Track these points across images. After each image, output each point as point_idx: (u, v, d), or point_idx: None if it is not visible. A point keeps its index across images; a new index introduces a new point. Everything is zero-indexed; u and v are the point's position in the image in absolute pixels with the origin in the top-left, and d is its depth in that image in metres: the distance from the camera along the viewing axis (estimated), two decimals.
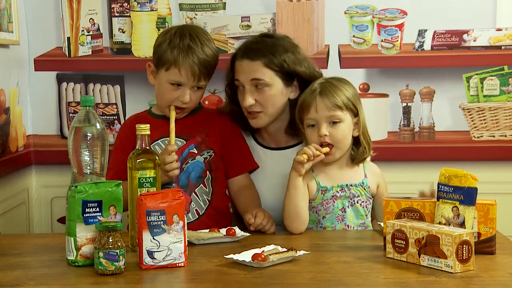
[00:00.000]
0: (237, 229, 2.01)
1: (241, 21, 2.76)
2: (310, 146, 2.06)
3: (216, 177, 2.28)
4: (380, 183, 2.19)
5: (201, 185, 2.25)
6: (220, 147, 2.29)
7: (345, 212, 2.13)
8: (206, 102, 2.73)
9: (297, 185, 2.08)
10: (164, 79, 2.21)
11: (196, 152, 2.26)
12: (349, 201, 2.14)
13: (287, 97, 2.27)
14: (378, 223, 2.19)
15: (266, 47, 2.24)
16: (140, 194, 1.77)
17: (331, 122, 2.09)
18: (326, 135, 2.08)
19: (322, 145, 2.08)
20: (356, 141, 2.15)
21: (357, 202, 2.14)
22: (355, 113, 2.12)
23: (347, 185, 2.14)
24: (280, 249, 1.79)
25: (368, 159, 2.21)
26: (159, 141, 2.24)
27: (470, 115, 2.79)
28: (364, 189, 2.16)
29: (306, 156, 2.03)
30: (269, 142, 2.37)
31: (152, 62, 2.27)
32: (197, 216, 2.23)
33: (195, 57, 2.18)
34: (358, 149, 2.15)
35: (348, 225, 2.13)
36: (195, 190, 2.24)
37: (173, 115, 2.19)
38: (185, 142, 2.25)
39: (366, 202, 2.16)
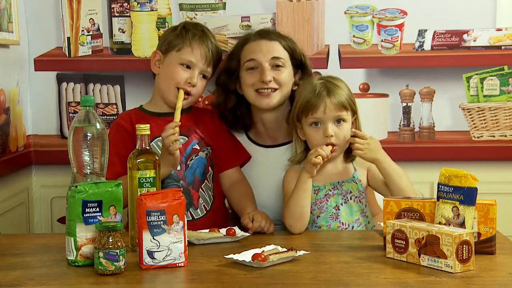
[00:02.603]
0: (237, 229, 2.02)
1: (241, 21, 2.76)
2: (323, 147, 2.06)
3: (216, 173, 2.30)
4: (370, 166, 2.19)
5: (206, 181, 2.26)
6: (215, 143, 2.30)
7: (339, 210, 2.14)
8: (206, 102, 2.73)
9: (307, 187, 2.08)
10: (174, 60, 2.23)
11: (198, 148, 2.26)
12: (342, 198, 2.14)
13: (291, 85, 2.31)
14: (378, 222, 2.19)
15: (279, 32, 2.36)
16: (140, 194, 1.77)
17: (336, 122, 2.10)
18: (332, 136, 2.08)
19: (326, 145, 2.09)
20: None
21: (351, 199, 2.15)
22: (354, 111, 2.14)
23: (339, 182, 2.15)
24: (280, 249, 1.79)
25: None
26: (160, 137, 2.23)
27: (470, 115, 2.79)
28: (356, 183, 2.16)
29: (321, 157, 2.04)
30: (264, 139, 2.37)
31: (159, 50, 2.28)
32: (205, 212, 2.25)
33: (209, 41, 2.26)
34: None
35: (342, 223, 2.13)
36: (202, 186, 2.25)
37: (181, 97, 2.20)
38: (187, 139, 2.25)
39: (359, 197, 2.16)
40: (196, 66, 2.22)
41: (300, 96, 2.15)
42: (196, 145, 2.27)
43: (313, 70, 2.41)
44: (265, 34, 2.31)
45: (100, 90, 2.81)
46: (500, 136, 2.80)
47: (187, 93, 2.23)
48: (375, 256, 1.80)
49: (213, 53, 2.25)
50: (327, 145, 2.08)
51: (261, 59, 2.26)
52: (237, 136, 2.38)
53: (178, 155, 2.09)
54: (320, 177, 2.14)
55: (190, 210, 2.22)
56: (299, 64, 2.33)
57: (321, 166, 2.12)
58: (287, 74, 2.28)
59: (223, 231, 2.00)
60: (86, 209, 1.73)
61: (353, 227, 2.15)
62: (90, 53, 2.80)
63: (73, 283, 1.64)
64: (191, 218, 2.20)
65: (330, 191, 2.14)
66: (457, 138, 2.80)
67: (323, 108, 2.09)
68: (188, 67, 2.22)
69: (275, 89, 2.26)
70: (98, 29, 2.79)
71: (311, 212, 2.13)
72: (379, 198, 2.24)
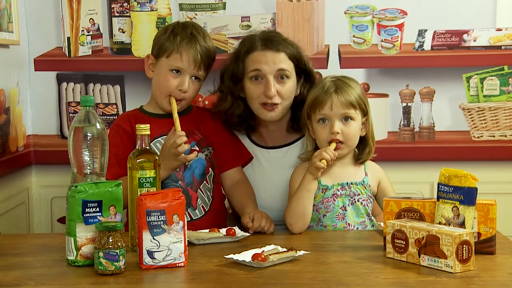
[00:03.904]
0: (237, 229, 2.02)
1: (241, 21, 2.76)
2: (327, 149, 2.06)
3: (217, 174, 2.30)
4: (381, 179, 2.20)
5: (205, 181, 2.26)
6: (216, 143, 2.30)
7: (346, 210, 2.13)
8: (206, 102, 2.73)
9: (311, 188, 2.09)
10: (164, 67, 2.22)
11: (197, 149, 2.26)
12: (349, 200, 2.14)
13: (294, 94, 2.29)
14: (379, 223, 2.19)
15: (285, 39, 2.28)
16: (140, 194, 1.77)
17: (343, 119, 2.10)
18: (338, 133, 2.08)
19: (330, 142, 2.09)
20: (360, 140, 2.16)
21: (358, 201, 2.15)
22: (365, 112, 2.14)
23: (347, 183, 2.15)
24: (280, 249, 1.79)
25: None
26: (159, 138, 2.23)
27: (470, 115, 2.79)
28: (365, 187, 2.16)
29: (325, 161, 2.04)
30: (266, 140, 2.37)
31: (151, 54, 2.28)
32: (204, 212, 2.25)
33: (198, 44, 2.22)
34: (364, 149, 2.17)
35: (348, 223, 2.13)
36: (200, 187, 2.25)
37: (174, 106, 2.20)
38: (187, 139, 2.25)
39: (366, 200, 2.16)
40: (186, 72, 2.22)
41: (311, 93, 2.17)
42: (195, 146, 2.27)
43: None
44: (271, 44, 2.25)
45: (100, 90, 2.81)
46: (500, 136, 2.80)
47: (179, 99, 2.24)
48: (375, 256, 1.80)
49: (202, 56, 2.22)
50: (331, 141, 2.08)
51: (266, 71, 2.22)
52: (239, 137, 2.38)
53: (193, 157, 2.12)
54: (329, 177, 2.14)
55: (189, 210, 2.21)
56: (303, 71, 2.30)
57: (329, 166, 2.12)
58: (291, 85, 2.26)
59: (223, 231, 2.00)
60: (86, 209, 1.73)
61: (357, 228, 2.14)
62: (90, 53, 2.80)
63: (73, 283, 1.64)
64: (189, 219, 2.20)
65: (338, 191, 2.14)
66: (457, 138, 2.80)
67: (330, 105, 2.09)
68: (179, 72, 2.22)
69: (278, 103, 2.24)
70: (98, 29, 2.79)
71: (317, 211, 2.13)
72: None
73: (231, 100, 2.31)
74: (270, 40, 2.26)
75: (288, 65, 2.24)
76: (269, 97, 2.22)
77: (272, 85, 2.21)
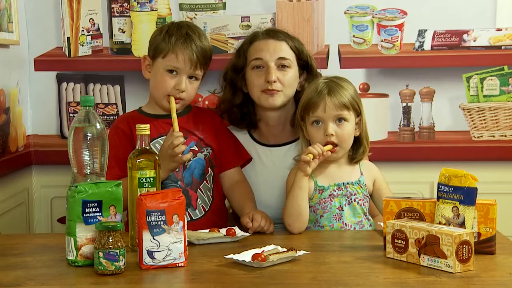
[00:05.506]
0: (237, 229, 2.02)
1: (241, 21, 2.76)
2: (315, 145, 2.07)
3: (217, 174, 2.30)
4: (376, 178, 2.21)
5: (204, 181, 2.26)
6: (215, 144, 2.30)
7: (343, 210, 2.14)
8: (206, 102, 2.73)
9: (302, 185, 2.09)
10: (160, 67, 2.22)
11: (197, 149, 2.26)
12: (346, 200, 2.14)
13: (296, 86, 2.32)
14: (378, 223, 2.19)
15: (287, 32, 2.35)
16: (140, 194, 1.77)
17: (337, 121, 2.10)
18: (332, 135, 2.09)
19: (325, 144, 2.09)
20: (354, 140, 2.16)
21: (354, 201, 2.15)
22: (358, 113, 2.14)
23: (344, 183, 2.15)
24: (280, 249, 1.79)
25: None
26: (158, 139, 2.23)
27: (470, 115, 2.79)
28: (361, 187, 2.16)
29: (311, 155, 2.04)
30: (267, 138, 2.38)
31: (148, 55, 2.28)
32: (204, 212, 2.25)
33: (193, 44, 2.22)
34: (358, 149, 2.17)
35: (345, 223, 2.13)
36: (200, 187, 2.25)
37: (173, 106, 2.20)
38: (184, 140, 2.25)
39: (363, 200, 2.16)
40: (183, 71, 2.22)
41: (304, 95, 2.17)
42: (194, 146, 2.27)
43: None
44: (273, 34, 2.32)
45: (100, 90, 2.81)
46: (500, 136, 2.80)
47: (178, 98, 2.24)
48: (375, 256, 1.80)
49: (198, 56, 2.22)
50: (326, 143, 2.09)
51: (267, 58, 2.26)
52: (240, 135, 2.39)
53: (188, 157, 2.13)
54: (325, 177, 2.14)
55: (189, 210, 2.22)
56: (305, 65, 2.34)
57: (325, 167, 2.12)
58: (292, 75, 2.28)
59: (223, 231, 2.00)
60: (86, 209, 1.73)
61: (354, 228, 2.15)
62: (90, 53, 2.80)
63: (73, 283, 1.64)
64: (189, 219, 2.20)
65: (335, 191, 2.14)
66: (457, 138, 2.80)
67: (323, 107, 2.09)
68: (175, 72, 2.22)
69: (280, 90, 2.26)
70: (98, 29, 2.79)
71: (314, 212, 2.13)
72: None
73: (231, 90, 2.34)
74: (272, 30, 2.35)
75: (289, 55, 2.28)
76: (269, 82, 2.24)
77: (273, 71, 2.25)
